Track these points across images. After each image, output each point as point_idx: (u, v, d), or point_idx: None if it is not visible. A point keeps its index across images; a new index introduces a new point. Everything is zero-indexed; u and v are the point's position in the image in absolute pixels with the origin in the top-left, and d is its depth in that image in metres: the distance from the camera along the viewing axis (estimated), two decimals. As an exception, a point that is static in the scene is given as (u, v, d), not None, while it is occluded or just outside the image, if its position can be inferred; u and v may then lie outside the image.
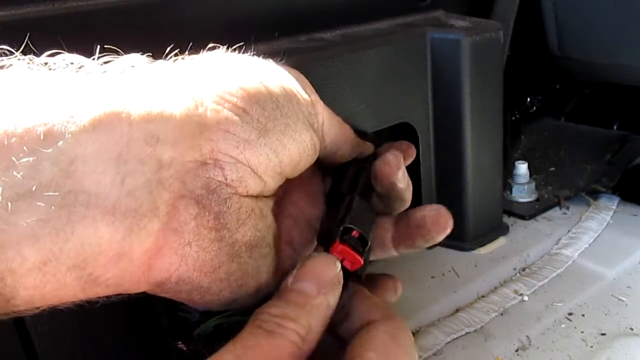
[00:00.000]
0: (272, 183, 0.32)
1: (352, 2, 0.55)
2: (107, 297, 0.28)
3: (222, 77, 0.31)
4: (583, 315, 0.51)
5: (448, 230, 0.39)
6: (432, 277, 0.57)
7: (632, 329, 0.49)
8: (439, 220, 0.38)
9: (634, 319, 0.50)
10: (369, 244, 0.34)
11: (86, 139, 0.25)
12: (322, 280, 0.30)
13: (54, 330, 0.39)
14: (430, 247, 0.40)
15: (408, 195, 0.40)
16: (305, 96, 0.34)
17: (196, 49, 0.45)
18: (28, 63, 0.28)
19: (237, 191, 0.30)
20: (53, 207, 0.24)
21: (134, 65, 0.31)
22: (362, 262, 0.33)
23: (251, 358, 0.27)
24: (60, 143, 0.24)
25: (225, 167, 0.29)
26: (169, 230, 0.28)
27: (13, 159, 0.23)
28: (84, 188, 0.25)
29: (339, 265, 0.32)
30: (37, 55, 0.38)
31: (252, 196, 0.31)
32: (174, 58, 0.33)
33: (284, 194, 0.37)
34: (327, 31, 0.53)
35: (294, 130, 0.32)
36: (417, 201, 0.60)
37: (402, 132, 0.56)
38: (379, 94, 0.52)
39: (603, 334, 0.49)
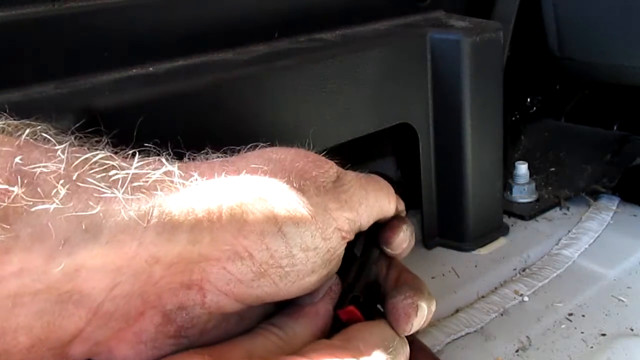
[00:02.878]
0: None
1: (352, 3, 0.55)
2: None
3: (241, 215, 0.29)
4: (583, 316, 0.51)
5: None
6: (432, 278, 0.57)
7: (632, 330, 0.49)
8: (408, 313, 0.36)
9: (634, 320, 0.50)
10: (374, 312, 0.35)
11: (96, 253, 0.26)
12: (313, 291, 0.33)
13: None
14: None
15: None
16: (333, 235, 0.32)
17: (197, 48, 0.45)
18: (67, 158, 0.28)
19: (211, 311, 0.30)
20: (49, 303, 0.26)
21: (166, 173, 0.29)
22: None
23: (220, 346, 0.29)
24: (73, 253, 0.25)
25: (207, 295, 0.30)
26: (129, 331, 0.29)
27: (29, 265, 0.24)
28: (80, 290, 0.27)
29: (334, 277, 0.33)
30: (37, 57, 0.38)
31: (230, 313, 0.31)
32: (198, 171, 0.31)
33: None
34: (327, 31, 0.53)
35: (297, 277, 0.31)
36: (417, 201, 0.60)
37: (402, 132, 0.57)
38: (379, 94, 0.52)
39: (603, 335, 0.49)
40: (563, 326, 0.50)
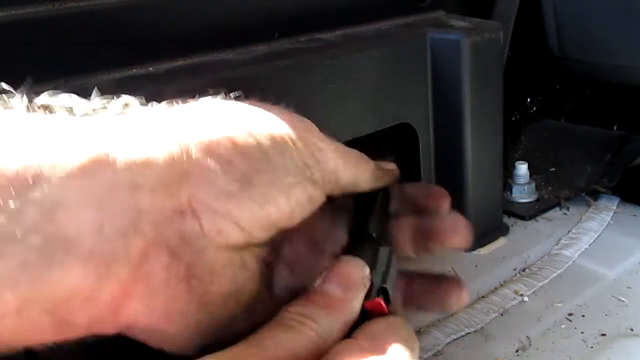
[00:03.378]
0: (260, 234, 0.31)
1: (352, 3, 0.55)
2: (80, 338, 0.28)
3: (209, 127, 0.30)
4: (583, 316, 0.51)
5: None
6: (432, 278, 0.57)
7: (632, 330, 0.49)
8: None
9: (634, 320, 0.50)
10: (391, 301, 0.34)
11: (71, 185, 0.25)
12: (347, 283, 0.31)
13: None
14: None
15: None
16: (303, 147, 0.33)
17: (197, 49, 0.46)
18: (27, 105, 0.28)
19: (214, 242, 0.29)
20: (34, 253, 0.24)
21: (126, 105, 0.30)
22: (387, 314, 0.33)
23: (265, 347, 0.27)
24: (45, 188, 0.24)
25: (202, 217, 0.29)
26: (137, 278, 0.27)
27: (0, 202, 0.23)
28: (64, 234, 0.25)
29: (367, 270, 0.32)
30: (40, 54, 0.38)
31: (232, 247, 0.30)
32: (166, 102, 0.32)
33: (282, 239, 0.35)
34: (327, 31, 0.53)
35: (283, 183, 0.31)
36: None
37: (402, 132, 0.57)
38: (379, 94, 0.52)
39: (603, 335, 0.49)
40: (563, 326, 0.50)
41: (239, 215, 0.29)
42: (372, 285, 0.33)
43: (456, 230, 0.39)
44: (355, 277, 0.31)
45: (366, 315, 0.32)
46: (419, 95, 0.56)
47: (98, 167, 0.26)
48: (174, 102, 0.32)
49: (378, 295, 0.33)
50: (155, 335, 0.29)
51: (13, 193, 0.23)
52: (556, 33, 0.72)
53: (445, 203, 0.41)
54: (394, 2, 0.58)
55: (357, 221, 0.38)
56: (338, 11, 0.54)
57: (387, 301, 0.33)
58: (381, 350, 0.28)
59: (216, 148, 0.29)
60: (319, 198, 0.34)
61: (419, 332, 0.50)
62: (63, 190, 0.25)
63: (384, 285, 0.33)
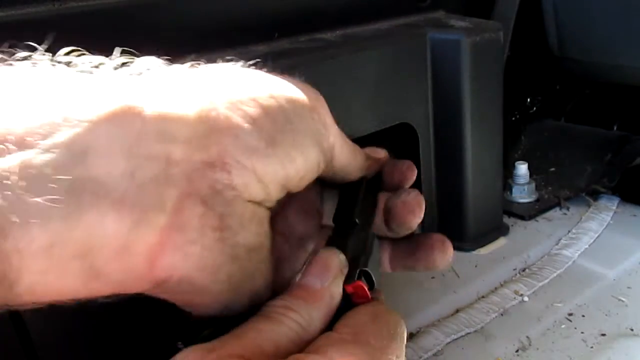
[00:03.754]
0: (275, 194, 0.32)
1: (352, 3, 0.55)
2: (107, 297, 0.28)
3: (235, 87, 0.31)
4: (583, 316, 0.51)
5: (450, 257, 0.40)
6: (432, 278, 0.57)
7: (632, 330, 0.49)
8: (445, 249, 0.39)
9: (634, 320, 0.50)
10: (375, 285, 0.34)
11: (100, 130, 0.25)
12: (324, 272, 0.32)
13: (52, 328, 0.39)
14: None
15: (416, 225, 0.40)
16: (316, 116, 0.34)
17: (196, 49, 0.45)
18: (51, 60, 0.29)
19: (242, 195, 0.30)
20: (64, 191, 0.24)
21: (151, 66, 0.31)
22: (370, 299, 0.33)
23: (247, 337, 0.28)
24: (75, 131, 0.25)
25: (232, 170, 0.29)
26: (174, 227, 0.28)
27: (29, 139, 0.24)
28: (94, 177, 0.25)
29: (343, 257, 0.33)
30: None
31: (254, 202, 0.31)
32: (189, 63, 0.33)
33: (277, 209, 0.36)
34: (327, 31, 0.53)
35: (302, 145, 0.32)
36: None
37: (402, 132, 0.57)
38: (379, 94, 0.52)
39: (603, 335, 0.49)
40: (563, 326, 0.50)
41: (263, 171, 0.30)
42: (352, 269, 0.33)
43: (409, 210, 0.38)
44: (331, 265, 0.32)
45: (350, 300, 0.32)
46: (419, 95, 0.56)
47: (126, 117, 0.26)
48: (198, 64, 0.33)
49: (359, 279, 0.33)
50: (187, 288, 0.30)
51: (41, 132, 0.24)
52: (556, 33, 0.72)
53: (410, 175, 0.41)
54: (394, 2, 0.58)
55: (342, 207, 0.39)
56: (338, 11, 0.54)
57: (371, 285, 0.34)
58: (364, 342, 0.29)
59: (242, 107, 0.30)
60: (322, 167, 0.35)
61: (419, 332, 0.50)
62: (91, 135, 0.25)
63: (366, 269, 0.34)
